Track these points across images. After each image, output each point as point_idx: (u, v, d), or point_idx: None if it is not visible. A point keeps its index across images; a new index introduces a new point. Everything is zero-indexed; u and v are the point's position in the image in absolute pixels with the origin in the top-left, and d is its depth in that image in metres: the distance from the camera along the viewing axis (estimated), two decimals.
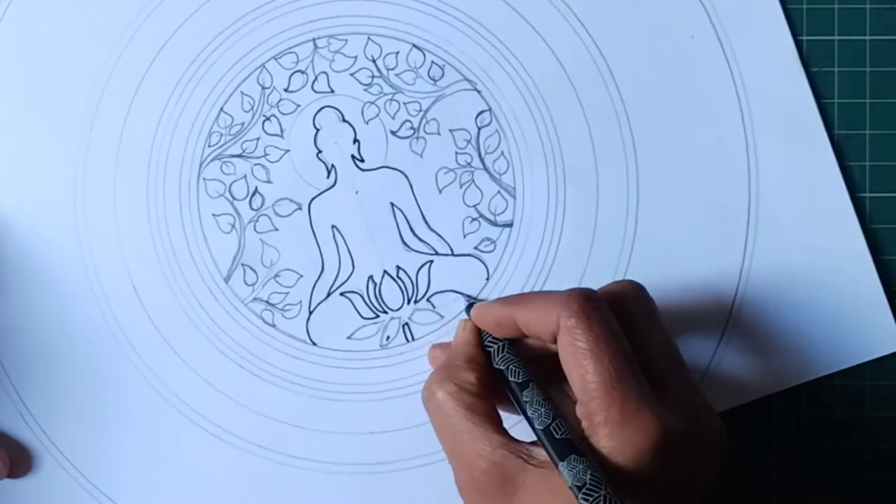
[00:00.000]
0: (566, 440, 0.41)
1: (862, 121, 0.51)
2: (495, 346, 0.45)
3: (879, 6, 0.51)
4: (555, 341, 0.42)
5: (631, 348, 0.42)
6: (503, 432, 0.43)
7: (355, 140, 0.50)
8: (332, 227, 0.50)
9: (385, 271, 0.50)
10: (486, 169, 0.50)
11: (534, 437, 0.42)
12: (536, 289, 0.50)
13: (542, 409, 0.42)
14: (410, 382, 0.50)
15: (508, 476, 0.41)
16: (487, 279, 0.50)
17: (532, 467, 0.41)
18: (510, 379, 0.44)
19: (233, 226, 0.50)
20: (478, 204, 0.50)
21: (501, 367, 0.44)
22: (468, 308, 0.47)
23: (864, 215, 0.51)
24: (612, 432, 0.40)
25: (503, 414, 0.45)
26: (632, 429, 0.40)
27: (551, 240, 0.50)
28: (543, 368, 0.44)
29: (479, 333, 0.46)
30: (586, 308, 0.41)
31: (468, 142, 0.50)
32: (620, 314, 0.43)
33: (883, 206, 0.51)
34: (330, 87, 0.50)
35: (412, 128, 0.50)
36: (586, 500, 0.39)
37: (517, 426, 0.45)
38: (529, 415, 0.42)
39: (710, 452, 0.42)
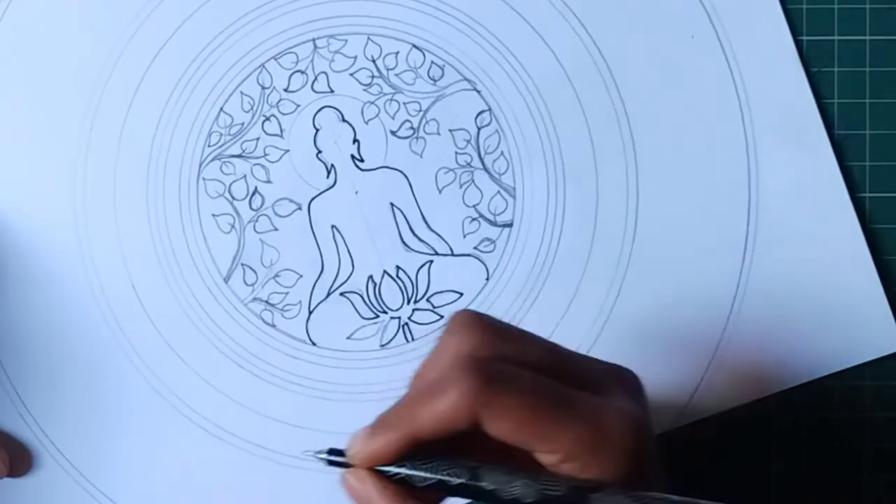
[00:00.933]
0: (571, 488, 0.36)
1: (862, 121, 0.51)
2: (405, 468, 0.37)
3: (879, 6, 0.51)
4: (473, 429, 0.36)
5: (539, 376, 0.37)
6: None
7: (355, 140, 0.50)
8: (332, 227, 0.50)
9: (385, 271, 0.50)
10: (485, 169, 0.50)
11: None
12: (536, 288, 0.50)
13: (519, 482, 0.37)
14: (404, 382, 0.50)
15: None
16: (487, 279, 0.50)
17: None
18: (454, 484, 0.37)
19: (232, 226, 0.50)
20: (477, 204, 0.50)
21: (431, 482, 0.37)
22: (335, 463, 0.38)
23: (864, 215, 0.51)
24: (600, 453, 0.37)
25: None
26: (616, 436, 0.37)
27: (551, 240, 0.50)
28: (470, 455, 0.38)
29: (378, 476, 0.37)
30: (486, 373, 0.36)
31: (468, 142, 0.50)
32: (482, 352, 0.38)
33: (883, 206, 0.51)
34: (330, 87, 0.50)
35: (412, 128, 0.50)
36: None
37: None
38: (508, 498, 0.37)
39: (645, 406, 0.39)
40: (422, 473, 0.37)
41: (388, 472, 0.37)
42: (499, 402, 0.36)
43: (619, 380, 0.40)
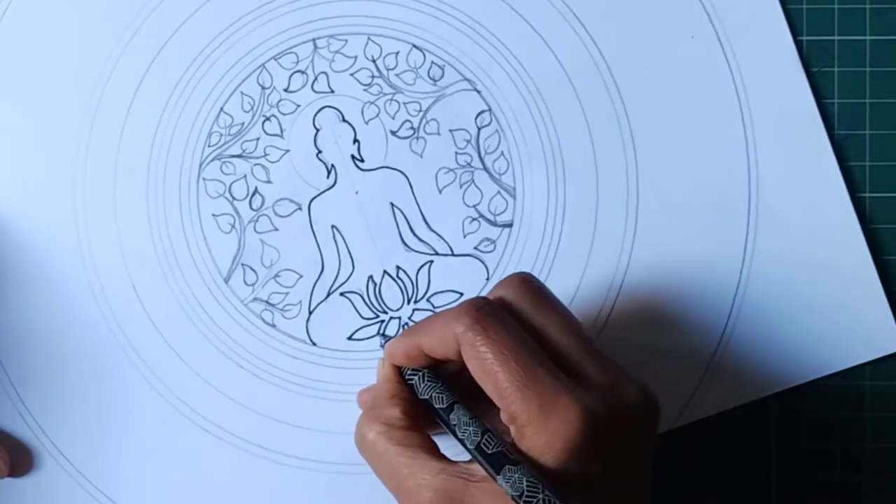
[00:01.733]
0: (498, 453, 0.41)
1: (862, 121, 0.51)
2: (416, 377, 0.45)
3: (879, 6, 0.51)
4: (461, 358, 0.42)
5: (533, 342, 0.42)
6: (440, 458, 0.43)
7: (355, 140, 0.50)
8: (332, 227, 0.50)
9: (385, 271, 0.50)
10: (485, 169, 0.50)
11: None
12: None
13: (471, 429, 0.42)
14: None
15: (454, 498, 0.41)
16: (488, 279, 0.50)
17: (474, 484, 0.41)
18: (436, 406, 0.44)
19: (233, 226, 0.50)
20: (478, 204, 0.50)
21: (426, 397, 0.44)
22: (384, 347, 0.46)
23: (864, 215, 0.51)
24: (537, 430, 0.40)
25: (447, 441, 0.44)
26: (555, 420, 0.40)
27: (551, 240, 0.50)
28: (468, 387, 0.44)
29: (399, 369, 0.46)
30: (479, 317, 0.42)
31: (468, 142, 0.50)
32: (511, 311, 0.43)
33: (883, 206, 0.51)
34: (330, 87, 0.50)
35: (412, 128, 0.50)
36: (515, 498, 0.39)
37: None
38: (460, 436, 0.42)
39: (638, 419, 0.42)
40: (420, 385, 0.44)
41: (405, 371, 0.45)
42: (475, 344, 0.41)
43: (613, 387, 0.42)
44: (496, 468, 0.40)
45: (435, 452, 0.43)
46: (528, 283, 0.44)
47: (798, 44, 0.51)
